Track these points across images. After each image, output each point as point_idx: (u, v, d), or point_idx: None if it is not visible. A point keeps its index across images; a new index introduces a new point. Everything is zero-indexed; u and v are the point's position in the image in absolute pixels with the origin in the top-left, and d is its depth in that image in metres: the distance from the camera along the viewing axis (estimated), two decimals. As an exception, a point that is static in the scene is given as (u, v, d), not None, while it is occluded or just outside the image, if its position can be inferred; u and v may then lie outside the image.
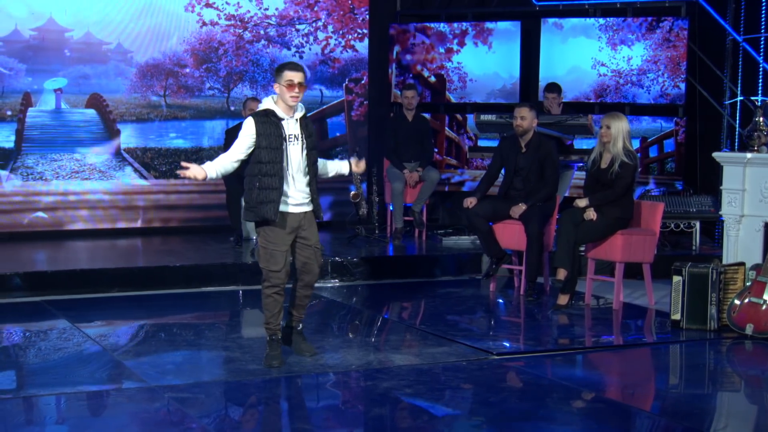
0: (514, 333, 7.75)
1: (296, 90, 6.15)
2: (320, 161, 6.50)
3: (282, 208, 6.20)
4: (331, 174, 6.61)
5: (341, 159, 6.53)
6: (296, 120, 6.25)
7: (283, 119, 6.20)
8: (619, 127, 8.14)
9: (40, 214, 10.64)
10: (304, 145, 6.25)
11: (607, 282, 8.61)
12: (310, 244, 6.35)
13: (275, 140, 6.15)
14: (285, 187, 6.19)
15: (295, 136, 6.22)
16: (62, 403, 5.68)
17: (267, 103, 6.27)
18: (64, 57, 10.84)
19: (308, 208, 6.32)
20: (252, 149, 6.19)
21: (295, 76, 6.15)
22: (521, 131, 8.67)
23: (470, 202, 8.65)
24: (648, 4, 11.29)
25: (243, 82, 11.49)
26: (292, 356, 6.54)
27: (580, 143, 10.40)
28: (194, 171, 6.21)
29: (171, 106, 11.25)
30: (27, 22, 10.65)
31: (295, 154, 6.21)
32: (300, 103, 6.29)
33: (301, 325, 6.59)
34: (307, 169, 6.27)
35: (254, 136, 6.16)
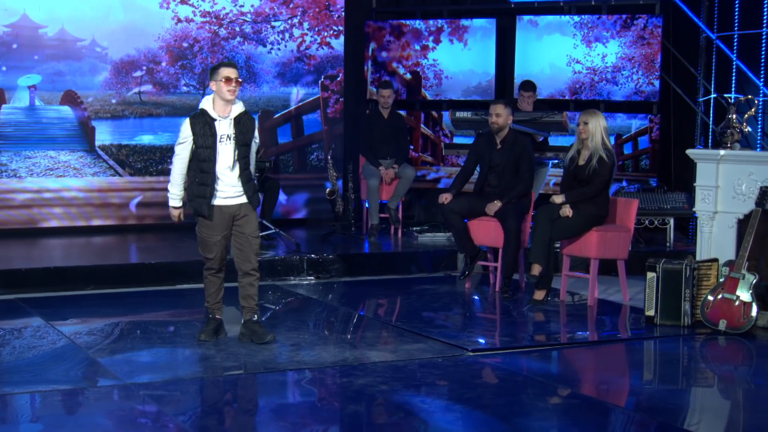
0: (490, 329, 7.77)
1: (233, 84, 6.53)
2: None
3: (215, 201, 6.64)
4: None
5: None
6: (230, 120, 6.60)
7: (216, 120, 6.57)
8: (597, 123, 8.19)
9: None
10: (235, 144, 6.60)
11: (582, 278, 8.65)
12: (244, 232, 6.71)
13: (209, 139, 6.56)
14: (215, 184, 6.60)
15: (227, 136, 6.60)
16: (36, 402, 5.65)
17: (203, 103, 6.64)
18: (38, 53, 10.77)
19: (243, 200, 6.70)
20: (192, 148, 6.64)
21: (231, 72, 6.55)
22: (497, 128, 8.70)
23: (445, 198, 8.68)
24: (622, 2, 11.34)
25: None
26: (267, 353, 6.55)
27: (555, 140, 10.43)
28: (175, 214, 6.83)
29: (146, 103, 11.21)
30: (0, 18, 10.58)
31: (226, 153, 6.61)
32: (240, 101, 6.67)
33: (256, 316, 6.83)
34: (237, 165, 6.62)
35: (191, 137, 6.57)
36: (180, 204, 6.77)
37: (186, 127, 6.59)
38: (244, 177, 6.65)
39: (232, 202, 6.67)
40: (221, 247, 6.76)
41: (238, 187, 6.65)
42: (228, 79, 6.50)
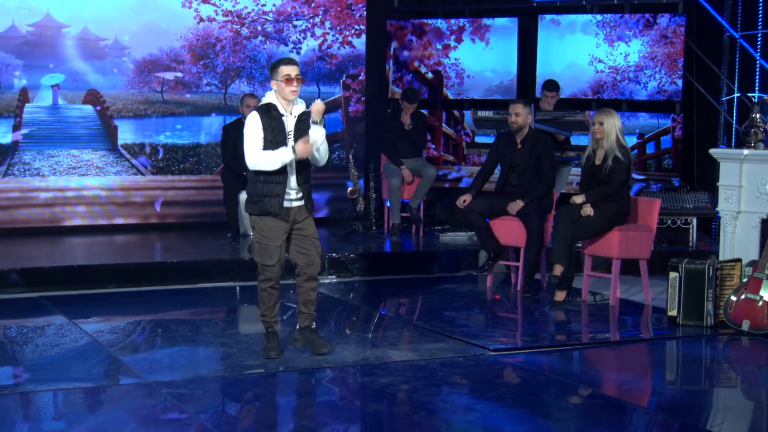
0: (511, 329, 7.75)
1: (294, 84, 6.24)
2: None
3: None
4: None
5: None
6: (294, 117, 6.34)
7: (283, 115, 6.30)
8: (612, 123, 8.16)
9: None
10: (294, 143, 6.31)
11: (604, 278, 8.61)
12: (307, 235, 6.40)
13: (279, 134, 6.26)
14: (287, 183, 6.28)
15: (291, 134, 6.31)
16: (59, 399, 5.68)
17: (269, 98, 6.34)
18: (61, 53, 10.83)
19: (301, 203, 6.39)
20: None
21: (292, 70, 6.24)
22: (516, 128, 8.67)
23: (464, 201, 8.65)
24: (645, 1, 11.29)
25: (240, 78, 11.49)
26: (289, 352, 6.55)
27: (577, 139, 10.39)
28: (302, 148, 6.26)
29: (168, 102, 11.25)
30: (24, 18, 10.64)
31: None
32: (300, 99, 6.37)
33: (314, 324, 6.56)
34: (296, 164, 6.32)
35: (263, 130, 6.24)
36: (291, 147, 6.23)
37: (256, 120, 6.24)
38: (302, 177, 6.36)
39: (293, 204, 6.34)
40: (282, 253, 6.37)
41: (298, 190, 6.35)
42: (288, 79, 6.21)
